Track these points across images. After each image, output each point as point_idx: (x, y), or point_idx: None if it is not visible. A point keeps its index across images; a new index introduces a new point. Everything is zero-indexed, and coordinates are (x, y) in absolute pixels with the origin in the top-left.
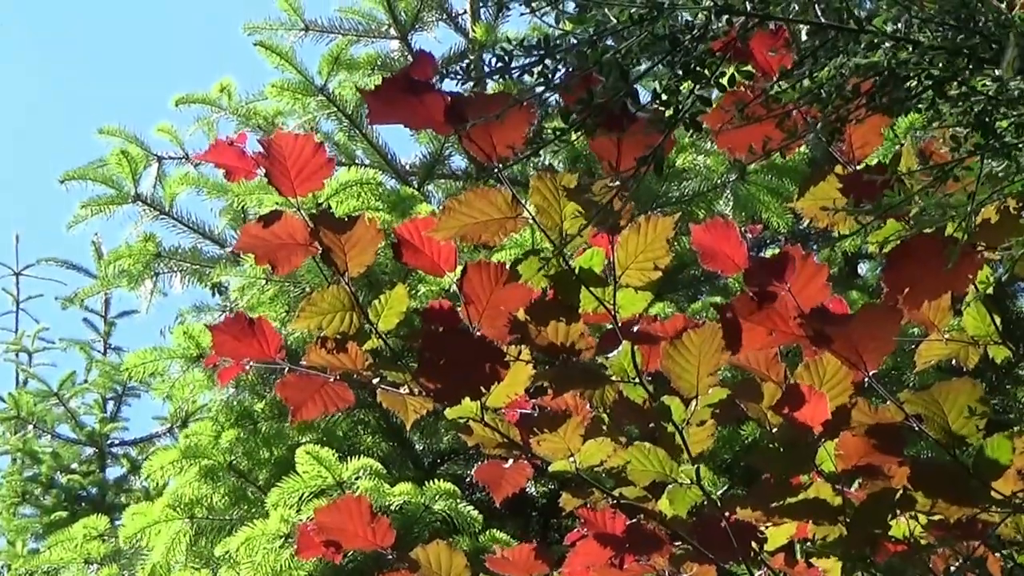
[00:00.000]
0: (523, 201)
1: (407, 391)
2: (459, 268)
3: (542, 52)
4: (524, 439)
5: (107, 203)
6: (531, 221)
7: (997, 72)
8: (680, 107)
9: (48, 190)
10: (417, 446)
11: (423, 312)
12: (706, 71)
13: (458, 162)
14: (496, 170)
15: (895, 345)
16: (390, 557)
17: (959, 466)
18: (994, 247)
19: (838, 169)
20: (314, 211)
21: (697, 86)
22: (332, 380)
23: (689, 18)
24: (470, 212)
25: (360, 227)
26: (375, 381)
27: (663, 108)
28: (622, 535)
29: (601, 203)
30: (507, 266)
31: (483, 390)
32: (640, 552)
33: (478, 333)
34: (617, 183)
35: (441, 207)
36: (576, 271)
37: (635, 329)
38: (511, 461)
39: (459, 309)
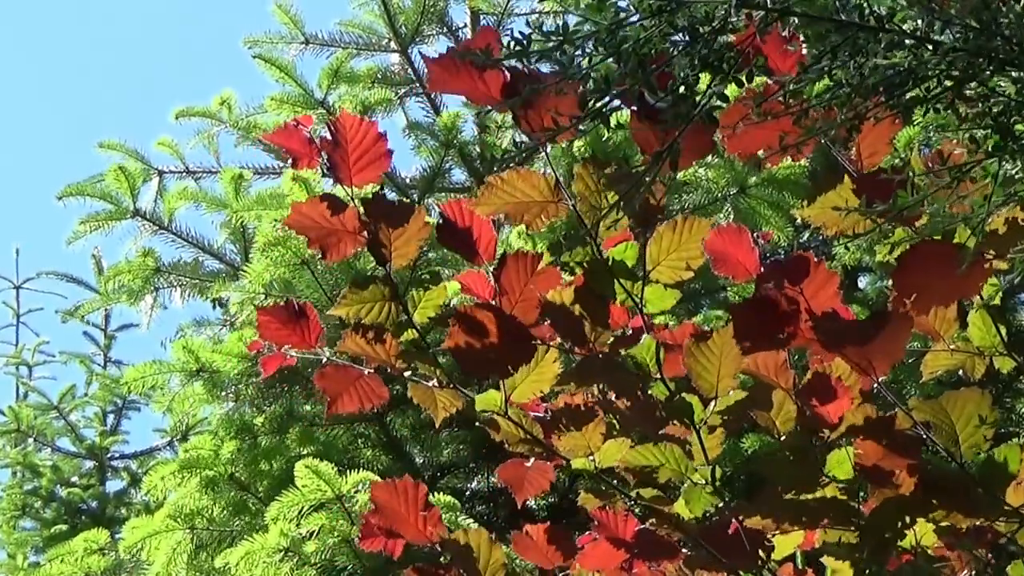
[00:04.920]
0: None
1: (436, 385)
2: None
3: (560, 38)
4: (547, 436)
5: (105, 219)
6: (571, 208)
7: (1016, 74)
8: (698, 101)
9: (48, 203)
10: (417, 459)
11: (461, 284)
12: (724, 65)
13: (458, 175)
14: (543, 147)
15: (905, 352)
16: (438, 547)
17: (966, 476)
18: (1002, 256)
19: (846, 178)
20: (367, 198)
21: (715, 80)
22: (367, 373)
23: (708, 10)
24: (512, 191)
25: (413, 219)
26: (407, 374)
27: (681, 100)
28: (632, 540)
29: (636, 193)
30: (541, 256)
31: (511, 370)
32: (650, 558)
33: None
34: (647, 176)
35: (485, 183)
36: (609, 262)
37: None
38: (532, 460)
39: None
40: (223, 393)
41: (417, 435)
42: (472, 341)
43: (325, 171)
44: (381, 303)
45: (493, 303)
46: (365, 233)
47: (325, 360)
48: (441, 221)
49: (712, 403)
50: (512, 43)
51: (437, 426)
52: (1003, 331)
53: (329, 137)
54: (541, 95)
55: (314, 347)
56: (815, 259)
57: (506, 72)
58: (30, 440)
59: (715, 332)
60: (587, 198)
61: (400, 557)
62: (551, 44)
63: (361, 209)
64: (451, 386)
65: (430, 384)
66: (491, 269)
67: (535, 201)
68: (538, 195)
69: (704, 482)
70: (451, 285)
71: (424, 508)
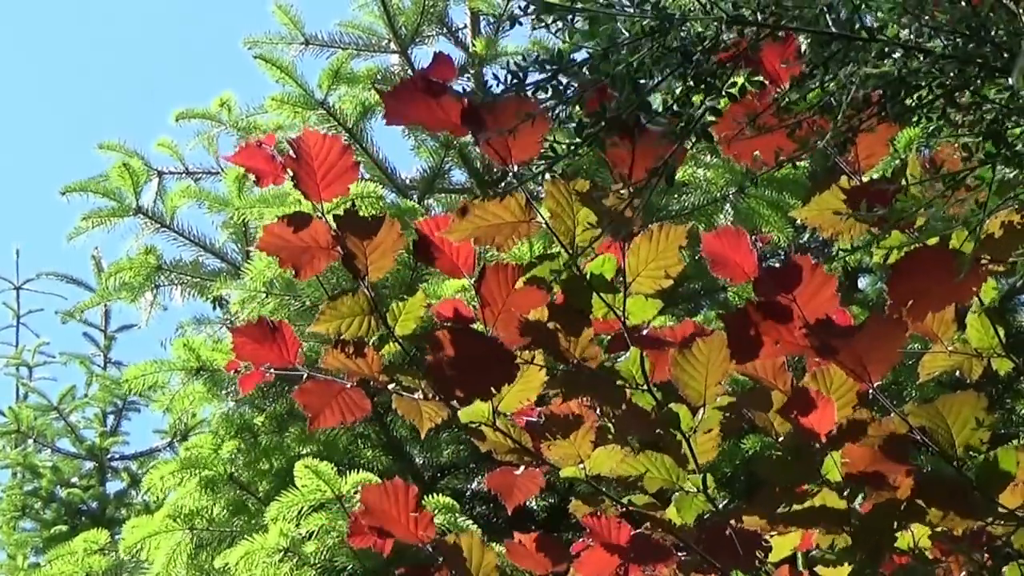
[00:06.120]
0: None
1: (421, 397)
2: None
3: (555, 67)
4: (535, 445)
5: (108, 216)
6: (544, 226)
7: (1009, 81)
8: (691, 118)
9: (49, 205)
10: (417, 460)
11: (436, 312)
12: (717, 82)
13: (458, 176)
14: (505, 180)
15: (900, 357)
16: (428, 549)
17: (963, 478)
18: (998, 260)
19: (843, 180)
20: (338, 213)
21: (708, 98)
22: (349, 386)
23: (700, 30)
24: (484, 215)
25: (383, 231)
26: (391, 387)
27: (674, 119)
28: (627, 545)
29: (613, 210)
30: (523, 268)
31: (494, 391)
32: (645, 562)
33: (492, 334)
34: (628, 192)
35: (456, 209)
36: (587, 277)
37: (644, 334)
38: (522, 468)
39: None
40: (223, 392)
41: (417, 436)
42: (452, 367)
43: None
44: (360, 317)
45: (472, 327)
46: (338, 248)
47: (306, 375)
48: (417, 239)
49: (700, 411)
50: (508, 76)
51: (422, 435)
52: (1001, 332)
53: (293, 155)
54: (502, 119)
55: (293, 363)
56: (812, 262)
57: (463, 99)
58: (30, 441)
59: (700, 341)
60: (559, 215)
61: (397, 557)
62: (546, 73)
63: (333, 224)
64: (436, 398)
65: (415, 396)
66: (471, 282)
67: (507, 222)
68: (510, 216)
69: (696, 490)
70: (452, 283)
71: (415, 510)
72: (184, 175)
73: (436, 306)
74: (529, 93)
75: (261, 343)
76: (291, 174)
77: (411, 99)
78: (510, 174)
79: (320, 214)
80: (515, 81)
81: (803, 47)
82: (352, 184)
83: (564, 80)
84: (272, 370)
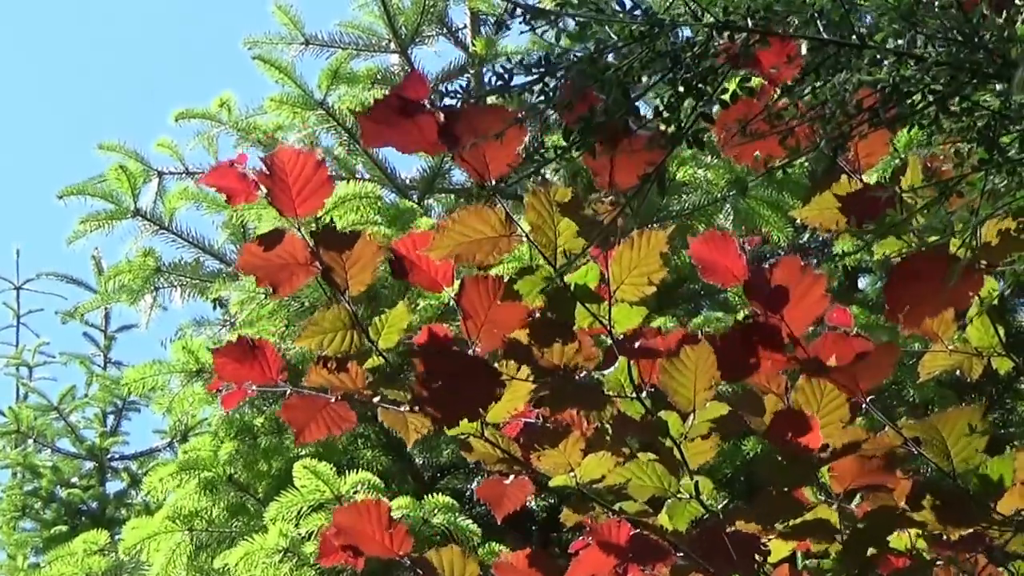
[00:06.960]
0: (518, 218)
1: (407, 409)
2: (456, 283)
3: (542, 70)
4: (525, 455)
5: (106, 218)
6: (525, 239)
7: (1000, 86)
8: (682, 124)
9: (49, 203)
10: (417, 460)
11: (416, 339)
12: (708, 88)
13: (458, 176)
14: (491, 187)
15: (891, 374)
16: (406, 563)
17: (960, 489)
18: (995, 265)
19: (843, 179)
20: (315, 227)
21: (699, 104)
22: (334, 400)
23: (690, 35)
24: (464, 230)
25: (360, 245)
26: (375, 400)
27: (665, 125)
28: (626, 545)
29: (597, 220)
30: (504, 281)
31: (480, 411)
32: (644, 562)
33: (475, 350)
34: (614, 199)
35: (436, 225)
36: (571, 287)
37: (636, 344)
38: (512, 477)
39: (449, 327)
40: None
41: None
42: (436, 389)
43: (268, 203)
44: (342, 332)
45: (455, 348)
46: (316, 263)
47: (289, 391)
48: (392, 257)
49: (691, 417)
50: (494, 78)
51: (408, 446)
52: (1001, 332)
53: (266, 172)
54: (477, 137)
55: (275, 380)
56: (800, 264)
57: (439, 114)
58: (30, 441)
59: (687, 348)
60: (540, 227)
61: (396, 562)
62: (532, 77)
63: (310, 240)
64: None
65: (401, 408)
66: (452, 295)
67: (487, 237)
68: (490, 230)
69: (689, 496)
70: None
71: (388, 526)
72: (184, 175)
73: (417, 338)
74: (516, 96)
75: (242, 362)
76: (265, 191)
77: (388, 119)
78: (495, 182)
79: (298, 229)
80: (500, 84)
81: (801, 49)
82: (328, 198)
83: (551, 83)
84: (254, 387)
